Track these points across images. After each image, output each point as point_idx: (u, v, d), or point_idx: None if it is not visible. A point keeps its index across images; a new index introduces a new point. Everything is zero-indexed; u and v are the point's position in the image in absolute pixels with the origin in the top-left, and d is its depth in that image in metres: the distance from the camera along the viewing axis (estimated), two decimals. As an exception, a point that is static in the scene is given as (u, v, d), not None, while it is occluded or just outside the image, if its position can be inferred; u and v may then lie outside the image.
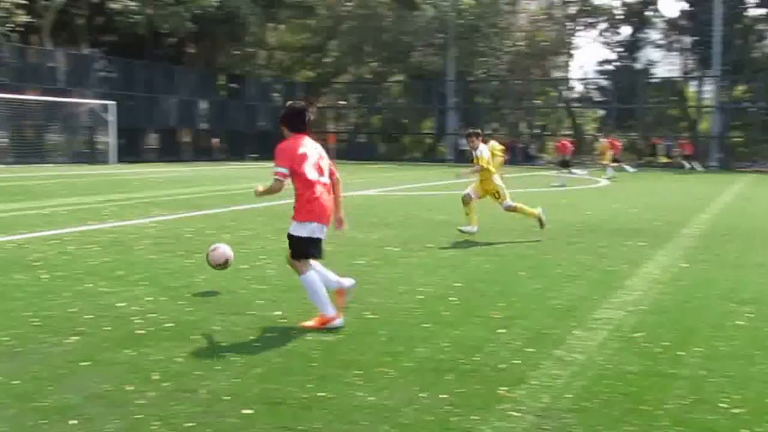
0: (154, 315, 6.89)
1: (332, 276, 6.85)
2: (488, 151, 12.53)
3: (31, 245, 10.97)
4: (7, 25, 41.43)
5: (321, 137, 60.63)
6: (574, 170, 30.20)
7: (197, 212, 15.92)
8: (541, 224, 12.80)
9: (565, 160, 30.66)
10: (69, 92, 42.95)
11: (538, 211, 12.94)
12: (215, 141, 53.52)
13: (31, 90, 40.95)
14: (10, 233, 12.19)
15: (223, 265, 8.25)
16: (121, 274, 8.80)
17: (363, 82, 63.40)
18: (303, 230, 6.54)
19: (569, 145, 31.29)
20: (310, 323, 6.57)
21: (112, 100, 42.73)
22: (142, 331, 6.33)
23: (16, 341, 5.97)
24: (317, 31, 62.28)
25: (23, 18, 42.13)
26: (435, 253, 10.91)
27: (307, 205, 6.50)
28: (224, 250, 8.29)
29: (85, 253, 10.38)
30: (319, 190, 6.52)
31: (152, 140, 50.80)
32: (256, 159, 52.09)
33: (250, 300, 7.54)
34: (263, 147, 55.56)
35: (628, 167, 32.41)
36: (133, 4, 47.06)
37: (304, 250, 6.56)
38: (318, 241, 6.56)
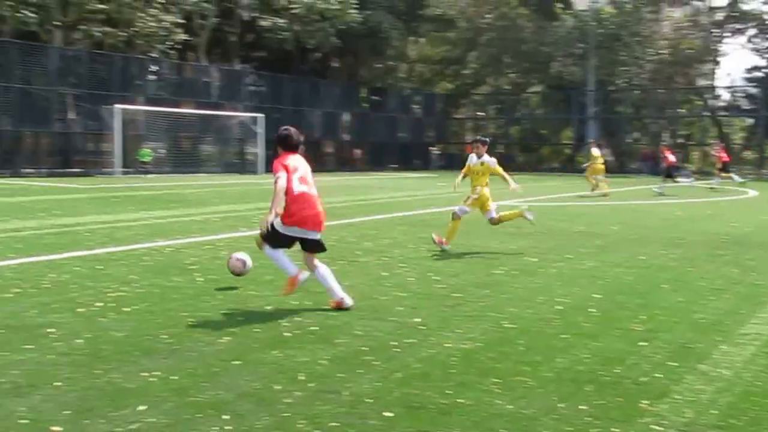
0: (300, 318, 7.03)
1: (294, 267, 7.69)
2: (495, 160, 12.04)
3: (187, 250, 11.29)
4: (167, 42, 43.61)
5: (459, 148, 60.84)
6: (679, 179, 29.01)
7: (340, 221, 15.97)
8: (530, 221, 12.40)
9: (669, 169, 29.44)
10: (221, 106, 44.57)
11: (522, 209, 12.51)
12: (357, 152, 54.37)
13: (187, 103, 42.92)
14: (169, 238, 12.53)
15: (240, 272, 8.76)
16: (270, 279, 8.93)
17: (502, 93, 62.91)
18: (283, 228, 7.52)
19: (668, 154, 29.99)
20: (285, 291, 7.65)
21: (261, 113, 43.94)
22: (289, 334, 6.47)
23: (173, 339, 6.22)
24: (457, 43, 62.33)
25: (181, 36, 44.23)
26: (573, 264, 10.68)
27: (290, 212, 7.46)
28: (243, 258, 8.79)
29: (236, 258, 10.76)
30: (303, 199, 7.50)
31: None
32: (396, 169, 52.55)
33: (390, 306, 7.58)
34: (404, 157, 56.09)
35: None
36: (282, 21, 48.58)
37: (274, 240, 7.56)
38: (292, 239, 7.59)
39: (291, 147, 7.71)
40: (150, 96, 41.50)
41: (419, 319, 7.07)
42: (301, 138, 7.79)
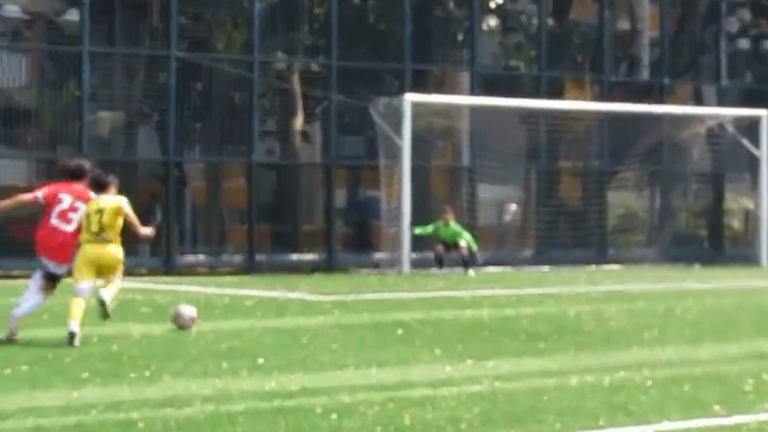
0: None
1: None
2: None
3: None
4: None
5: None
6: None
7: None
8: (72, 338, 17.27)
9: None
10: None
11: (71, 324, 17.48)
12: None
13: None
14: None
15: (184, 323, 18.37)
16: None
17: None
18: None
19: None
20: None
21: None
22: None
23: None
24: None
25: None
26: None
27: (37, 241, 16.74)
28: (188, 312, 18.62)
29: None
30: (52, 232, 16.68)
31: None
32: None
33: None
34: None
35: None
36: None
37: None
38: (50, 273, 16.92)
39: (72, 177, 17.22)
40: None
41: None
42: (83, 169, 17.42)
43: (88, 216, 17.06)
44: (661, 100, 45.20)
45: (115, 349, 17.45)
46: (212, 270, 36.38)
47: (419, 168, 39.01)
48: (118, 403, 12.50)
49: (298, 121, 40.52)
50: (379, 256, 39.39)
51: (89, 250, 17.25)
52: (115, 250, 17.48)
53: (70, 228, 16.32)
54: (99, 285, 17.67)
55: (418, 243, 37.96)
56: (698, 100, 48.00)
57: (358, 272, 38.26)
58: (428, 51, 41.48)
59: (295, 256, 38.90)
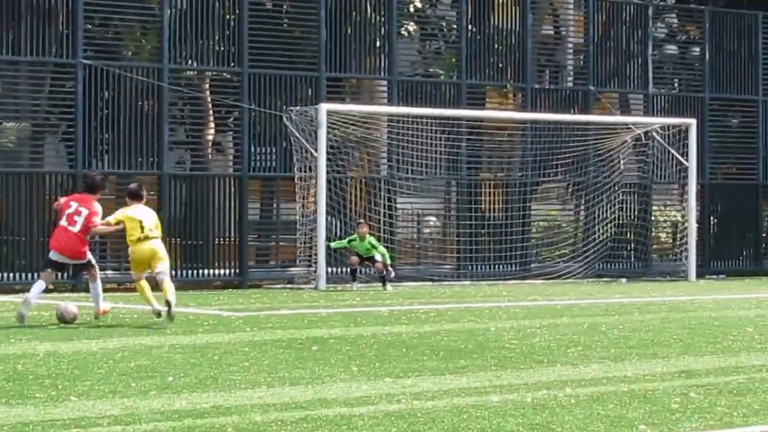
0: None
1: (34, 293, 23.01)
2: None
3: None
4: None
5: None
6: None
7: None
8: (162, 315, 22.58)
9: None
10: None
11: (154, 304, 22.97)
12: None
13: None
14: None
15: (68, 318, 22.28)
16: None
17: None
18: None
19: None
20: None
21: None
22: None
23: None
24: None
25: None
26: None
27: (51, 239, 23.12)
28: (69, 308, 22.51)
29: None
30: (60, 231, 22.44)
31: None
32: None
33: None
34: None
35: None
36: None
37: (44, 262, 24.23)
38: (53, 262, 22.90)
39: (85, 188, 23.30)
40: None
41: None
42: (91, 180, 23.52)
43: (131, 220, 22.59)
44: (586, 109, 44.99)
45: (20, 368, 17.13)
46: (120, 285, 35.69)
47: (335, 180, 38.74)
48: (24, 424, 12.32)
49: (210, 131, 40.14)
50: (294, 271, 39.15)
51: (141, 247, 22.77)
52: (159, 245, 22.94)
53: (75, 228, 21.51)
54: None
55: (334, 257, 37.78)
56: (625, 109, 47.96)
57: (271, 288, 37.90)
58: (344, 58, 40.67)
59: (206, 271, 37.95)
